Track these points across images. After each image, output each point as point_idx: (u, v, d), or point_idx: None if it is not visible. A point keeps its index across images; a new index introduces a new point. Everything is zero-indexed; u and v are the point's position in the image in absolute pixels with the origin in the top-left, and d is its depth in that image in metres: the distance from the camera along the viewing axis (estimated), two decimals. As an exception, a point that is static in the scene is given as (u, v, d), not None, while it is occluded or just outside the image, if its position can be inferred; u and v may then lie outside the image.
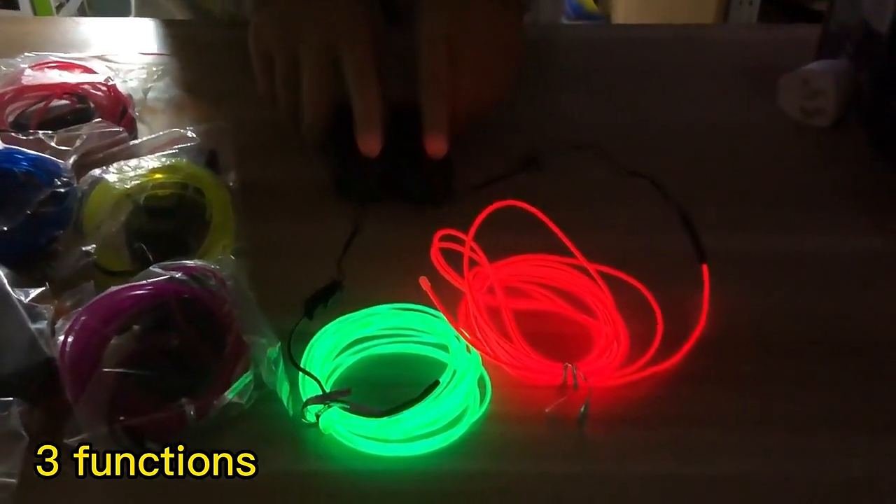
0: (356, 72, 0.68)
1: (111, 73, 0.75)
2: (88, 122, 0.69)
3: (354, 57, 0.69)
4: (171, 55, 0.82)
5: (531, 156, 0.70)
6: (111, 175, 0.63)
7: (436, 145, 0.67)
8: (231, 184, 0.66)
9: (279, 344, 0.53)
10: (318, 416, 0.52)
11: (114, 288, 0.54)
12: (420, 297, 0.57)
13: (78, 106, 0.72)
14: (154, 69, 0.80)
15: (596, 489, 0.50)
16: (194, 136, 0.70)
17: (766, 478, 0.51)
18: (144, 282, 0.55)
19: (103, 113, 0.71)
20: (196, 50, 0.87)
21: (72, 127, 0.68)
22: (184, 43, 0.88)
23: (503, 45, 0.72)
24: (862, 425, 0.53)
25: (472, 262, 0.59)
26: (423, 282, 0.56)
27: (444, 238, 0.60)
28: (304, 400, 0.52)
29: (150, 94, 0.79)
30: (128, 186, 0.62)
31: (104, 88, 0.73)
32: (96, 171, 0.63)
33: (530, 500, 0.50)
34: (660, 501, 0.50)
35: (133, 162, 0.64)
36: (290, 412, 0.53)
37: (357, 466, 0.51)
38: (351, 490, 0.50)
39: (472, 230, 0.58)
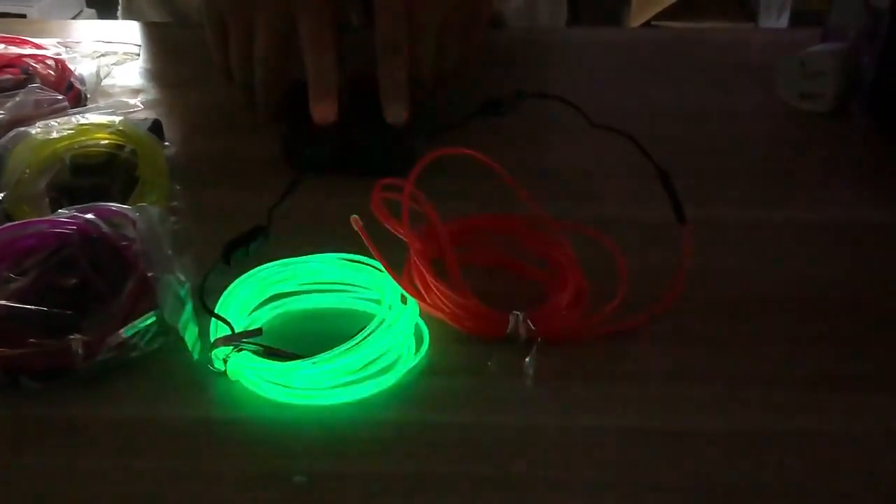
0: (312, 37, 0.64)
1: (62, 51, 0.71)
2: (28, 91, 0.65)
3: (311, 23, 0.65)
4: (135, 45, 0.79)
5: (493, 101, 0.64)
6: (35, 129, 0.58)
7: (394, 112, 0.63)
8: (167, 144, 0.61)
9: (188, 285, 0.48)
10: (226, 361, 0.45)
11: (9, 224, 0.49)
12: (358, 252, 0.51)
13: (22, 78, 0.68)
14: (114, 56, 0.77)
15: (538, 441, 0.43)
16: (140, 106, 0.66)
17: (713, 432, 0.44)
18: (46, 219, 0.50)
19: (47, 84, 0.67)
20: (163, 46, 0.84)
21: (8, 92, 0.64)
22: (154, 40, 0.85)
23: (468, 6, 0.67)
24: (825, 383, 0.47)
25: (419, 215, 0.53)
26: (355, 221, 0.50)
27: (387, 188, 0.54)
28: (212, 341, 0.46)
29: (106, 80, 0.75)
30: (53, 137, 0.57)
31: (51, 63, 0.70)
32: (22, 128, 0.59)
33: (465, 449, 0.43)
34: (605, 454, 0.43)
35: (62, 119, 0.60)
36: (196, 357, 0.46)
37: (267, 415, 0.45)
38: (260, 439, 0.44)
39: (413, 176, 0.52)
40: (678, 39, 0.90)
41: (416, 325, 0.49)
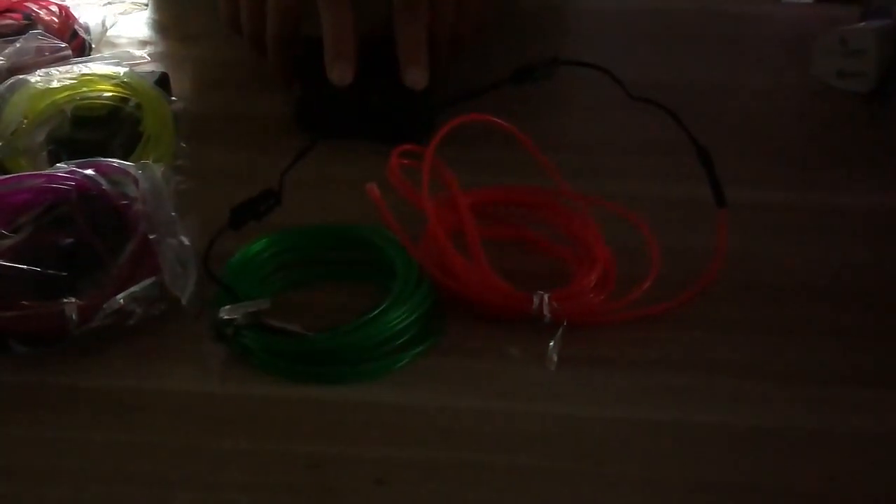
0: (328, -8, 0.61)
1: (68, -2, 0.68)
2: (30, 38, 0.62)
3: None
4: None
5: (525, 67, 0.60)
6: (35, 77, 0.55)
7: (413, 76, 0.59)
8: (174, 99, 0.58)
9: (192, 249, 0.45)
10: (230, 333, 0.42)
11: (3, 177, 0.46)
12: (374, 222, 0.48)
13: (24, 24, 0.65)
14: (122, 5, 0.73)
15: (559, 430, 0.41)
16: (147, 58, 0.63)
17: (744, 428, 0.41)
18: (43, 173, 0.47)
19: (50, 32, 0.64)
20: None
21: (7, 38, 0.61)
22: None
23: None
24: (870, 379, 0.44)
25: (439, 186, 0.50)
26: (371, 189, 0.47)
27: (405, 155, 0.50)
28: (216, 311, 0.43)
29: (112, 30, 0.71)
30: (54, 87, 0.54)
31: (55, 9, 0.66)
32: (22, 76, 0.56)
33: (481, 436, 0.40)
34: (629, 447, 0.40)
35: (64, 68, 0.56)
36: (198, 327, 0.44)
37: (272, 392, 0.42)
38: (262, 417, 0.41)
39: (433, 143, 0.49)
40: (709, 12, 0.86)
41: (434, 302, 0.46)
